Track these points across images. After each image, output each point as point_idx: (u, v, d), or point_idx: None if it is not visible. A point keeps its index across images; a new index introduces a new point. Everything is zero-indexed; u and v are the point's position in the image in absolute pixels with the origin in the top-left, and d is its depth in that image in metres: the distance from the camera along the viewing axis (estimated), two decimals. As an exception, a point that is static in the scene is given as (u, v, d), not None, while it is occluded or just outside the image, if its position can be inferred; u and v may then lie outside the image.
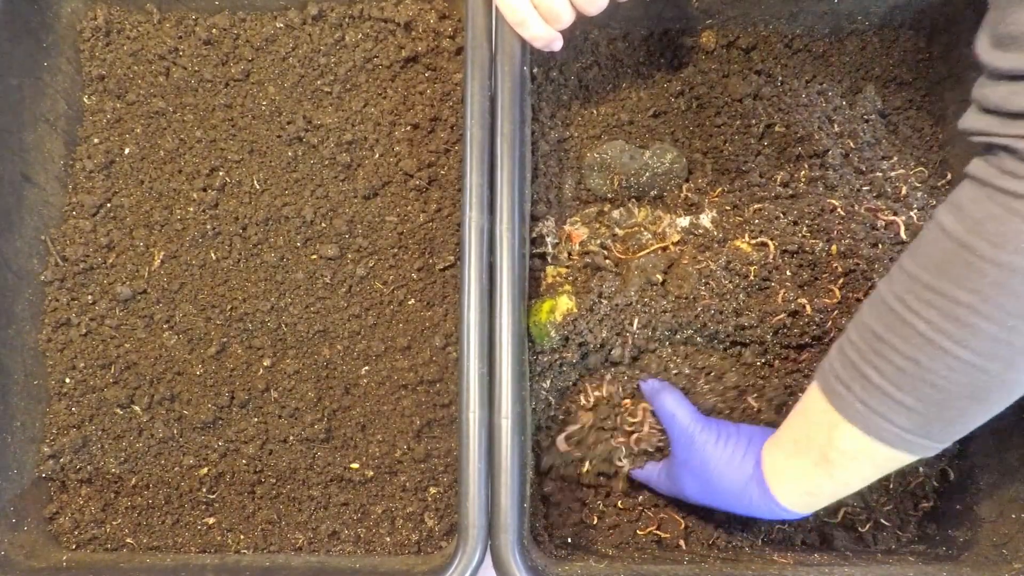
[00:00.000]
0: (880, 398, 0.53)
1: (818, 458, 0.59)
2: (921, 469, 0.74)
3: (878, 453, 0.56)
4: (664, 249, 0.76)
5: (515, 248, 0.67)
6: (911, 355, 0.52)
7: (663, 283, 0.72)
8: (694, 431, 0.67)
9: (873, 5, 0.83)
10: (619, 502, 0.75)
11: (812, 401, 0.60)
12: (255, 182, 0.82)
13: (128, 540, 0.76)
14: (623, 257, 0.76)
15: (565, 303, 0.71)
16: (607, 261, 0.76)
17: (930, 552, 0.72)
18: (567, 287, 0.75)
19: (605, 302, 0.71)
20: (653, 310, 0.71)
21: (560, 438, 0.74)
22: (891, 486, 0.73)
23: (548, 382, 0.73)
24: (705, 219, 0.79)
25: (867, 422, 0.54)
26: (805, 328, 0.71)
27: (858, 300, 0.72)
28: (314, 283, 0.79)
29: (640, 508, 0.75)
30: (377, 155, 0.81)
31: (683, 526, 0.73)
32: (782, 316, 0.70)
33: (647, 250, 0.76)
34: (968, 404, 0.52)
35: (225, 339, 0.79)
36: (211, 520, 0.76)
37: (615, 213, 0.79)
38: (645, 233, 0.78)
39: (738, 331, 0.71)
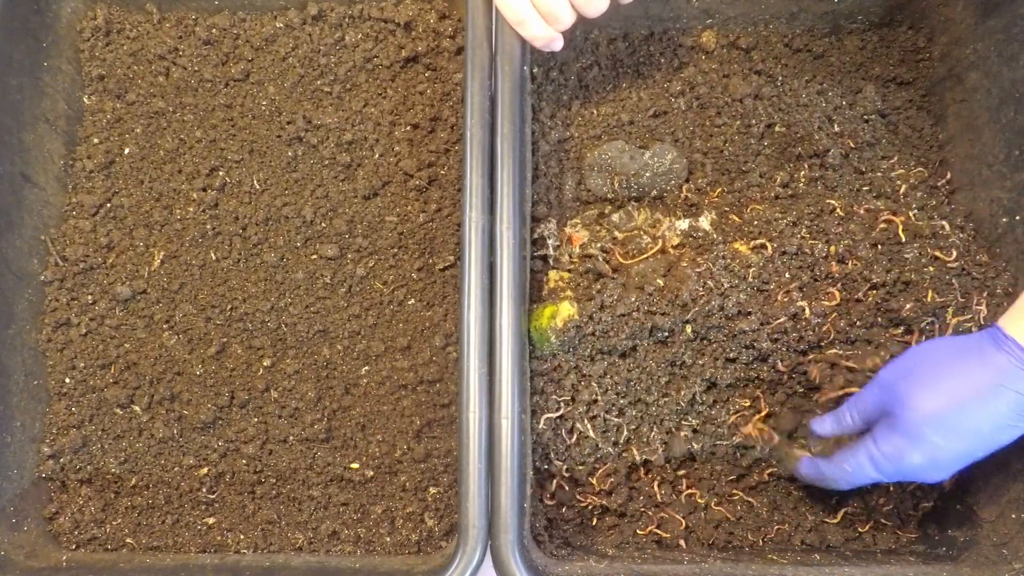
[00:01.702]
0: None
1: None
2: None
3: None
4: (663, 253, 0.76)
5: (515, 248, 0.67)
6: None
7: (663, 287, 0.72)
8: (885, 376, 0.58)
9: (873, 5, 0.83)
10: (619, 502, 0.75)
11: None
12: (255, 182, 0.82)
13: (128, 540, 0.76)
14: (624, 262, 0.76)
15: (567, 309, 0.72)
16: (608, 267, 0.76)
17: (930, 552, 0.72)
18: (568, 292, 0.75)
19: (607, 311, 0.72)
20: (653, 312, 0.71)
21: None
22: (891, 488, 0.73)
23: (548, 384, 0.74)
24: (704, 221, 0.79)
25: None
26: (803, 333, 0.71)
27: (858, 302, 0.72)
28: (314, 283, 0.79)
29: (641, 508, 0.75)
30: (377, 155, 0.81)
31: (683, 526, 0.73)
32: (782, 320, 0.70)
33: (647, 254, 0.76)
34: None
35: (225, 339, 0.79)
36: (211, 520, 0.76)
37: (615, 216, 0.79)
38: (645, 236, 0.78)
39: (738, 337, 0.71)
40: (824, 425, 0.67)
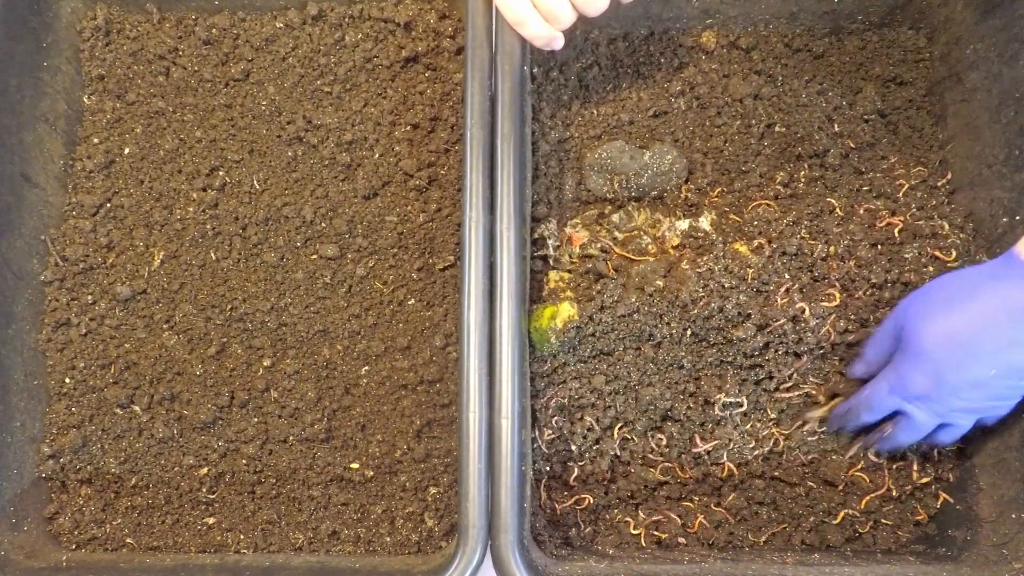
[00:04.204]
0: None
1: None
2: (925, 471, 0.74)
3: None
4: (663, 253, 0.76)
5: (515, 248, 0.67)
6: None
7: (663, 288, 0.72)
8: (901, 305, 0.59)
9: (873, 5, 0.83)
10: (619, 501, 0.75)
11: None
12: (255, 182, 0.82)
13: (128, 540, 0.76)
14: (623, 262, 0.76)
15: (567, 310, 0.72)
16: (608, 266, 0.76)
17: (930, 552, 0.72)
18: (568, 293, 0.75)
19: (607, 312, 0.72)
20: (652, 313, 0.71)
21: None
22: (894, 492, 0.73)
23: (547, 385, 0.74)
24: (704, 222, 0.79)
25: None
26: (802, 335, 0.71)
27: (857, 302, 0.72)
28: (314, 283, 0.79)
29: (640, 508, 0.75)
30: (377, 155, 0.81)
31: (681, 524, 0.73)
32: (783, 322, 0.70)
33: (647, 256, 0.77)
34: None
35: (225, 339, 0.79)
36: (211, 520, 0.76)
37: (615, 216, 0.79)
38: (645, 237, 0.78)
39: (736, 343, 0.71)
40: (856, 368, 0.68)
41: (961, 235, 0.75)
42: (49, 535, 0.76)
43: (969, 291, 0.56)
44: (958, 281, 0.58)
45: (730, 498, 0.74)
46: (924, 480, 0.73)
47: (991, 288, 0.55)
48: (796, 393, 0.73)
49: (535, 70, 0.80)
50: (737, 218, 0.78)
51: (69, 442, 0.77)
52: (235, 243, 0.80)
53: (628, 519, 0.74)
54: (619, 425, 0.73)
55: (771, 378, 0.72)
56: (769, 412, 0.73)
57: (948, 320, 0.57)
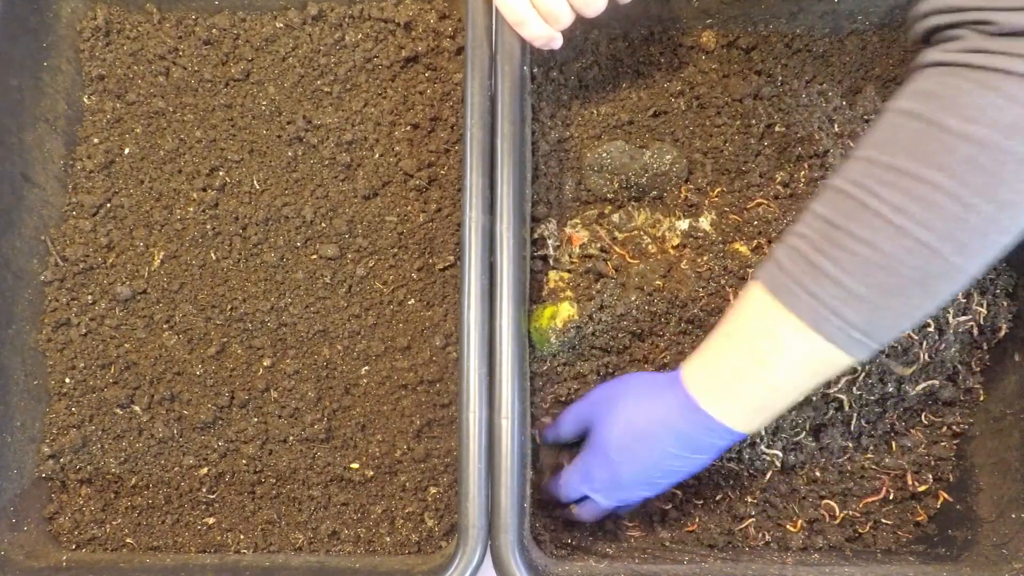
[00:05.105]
0: (831, 289, 0.53)
1: (751, 359, 0.57)
2: (927, 475, 0.74)
3: (817, 352, 0.55)
4: (663, 253, 0.76)
5: (515, 248, 0.67)
6: (869, 239, 0.51)
7: (663, 288, 0.72)
8: (592, 397, 0.67)
9: (873, 5, 0.83)
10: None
11: (749, 303, 0.58)
12: (255, 182, 0.82)
13: (128, 540, 0.76)
14: (623, 262, 0.76)
15: (567, 310, 0.72)
16: (608, 266, 0.76)
17: (930, 552, 0.73)
18: (568, 293, 0.75)
19: (607, 311, 0.71)
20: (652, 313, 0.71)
21: None
22: (893, 495, 0.73)
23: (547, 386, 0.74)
24: (704, 222, 0.79)
25: (815, 315, 0.53)
26: None
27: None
28: (314, 283, 0.79)
29: (640, 507, 0.75)
30: (377, 155, 0.81)
31: (681, 524, 0.73)
32: None
33: (647, 256, 0.76)
34: (915, 292, 0.52)
35: (225, 339, 0.79)
36: (211, 520, 0.76)
37: (615, 216, 0.80)
38: (645, 237, 0.78)
39: None
40: (548, 434, 0.73)
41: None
42: (49, 535, 0.76)
43: (647, 398, 0.63)
44: (639, 391, 0.65)
45: (730, 498, 0.74)
46: (922, 488, 0.74)
47: (660, 399, 0.62)
48: None
49: (535, 70, 0.80)
50: (737, 218, 0.78)
51: (69, 442, 0.77)
52: (235, 243, 0.80)
53: (628, 519, 0.74)
54: None
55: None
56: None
57: (624, 426, 0.64)
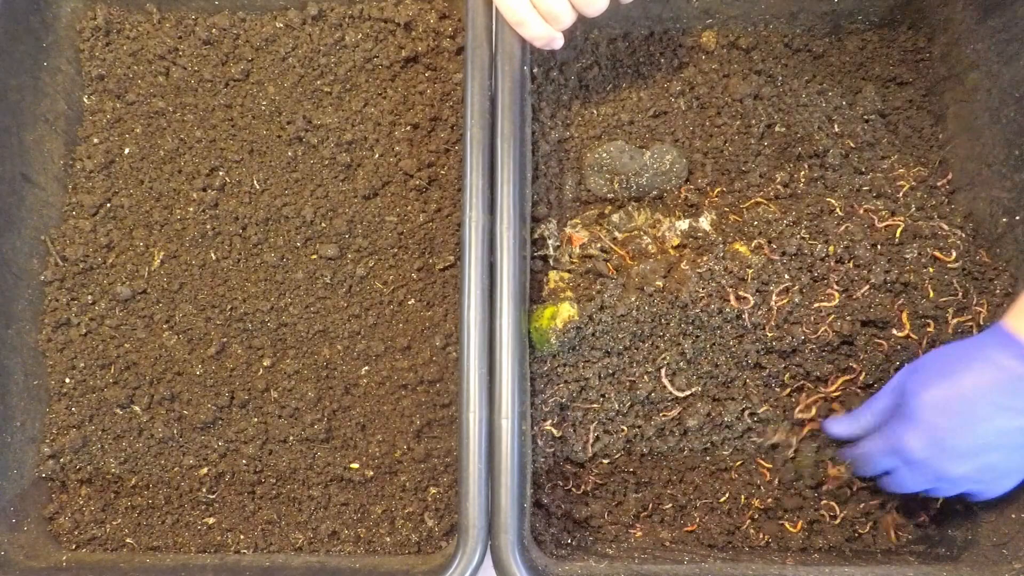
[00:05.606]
0: None
1: None
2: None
3: None
4: (663, 253, 0.76)
5: (515, 248, 0.67)
6: None
7: (663, 288, 0.72)
8: (899, 376, 0.63)
9: (873, 5, 0.83)
10: (618, 500, 0.75)
11: None
12: (255, 182, 0.82)
13: (128, 540, 0.76)
14: (623, 263, 0.76)
15: (567, 310, 0.72)
16: (608, 266, 0.76)
17: (930, 552, 0.72)
18: (568, 293, 0.75)
19: (607, 312, 0.72)
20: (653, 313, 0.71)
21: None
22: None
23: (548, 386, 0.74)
24: (704, 222, 0.79)
25: None
26: (802, 337, 0.71)
27: (856, 303, 0.72)
28: (314, 283, 0.79)
29: (640, 507, 0.75)
30: (377, 155, 0.81)
31: (682, 524, 0.73)
32: (782, 323, 0.70)
33: (647, 256, 0.76)
34: None
35: (225, 339, 0.79)
36: (211, 520, 0.76)
37: (615, 217, 0.80)
38: (645, 237, 0.78)
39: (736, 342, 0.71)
40: (840, 425, 0.70)
41: (961, 235, 0.75)
42: (49, 535, 0.76)
43: (963, 362, 0.61)
44: (953, 352, 0.63)
45: (730, 498, 0.74)
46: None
47: (981, 358, 0.60)
48: (803, 395, 0.73)
49: (535, 70, 0.80)
50: (737, 218, 0.78)
51: (69, 442, 0.77)
52: (235, 243, 0.80)
53: (628, 519, 0.74)
54: (619, 423, 0.73)
55: (773, 378, 0.72)
56: (770, 412, 0.73)
57: (943, 390, 0.61)
